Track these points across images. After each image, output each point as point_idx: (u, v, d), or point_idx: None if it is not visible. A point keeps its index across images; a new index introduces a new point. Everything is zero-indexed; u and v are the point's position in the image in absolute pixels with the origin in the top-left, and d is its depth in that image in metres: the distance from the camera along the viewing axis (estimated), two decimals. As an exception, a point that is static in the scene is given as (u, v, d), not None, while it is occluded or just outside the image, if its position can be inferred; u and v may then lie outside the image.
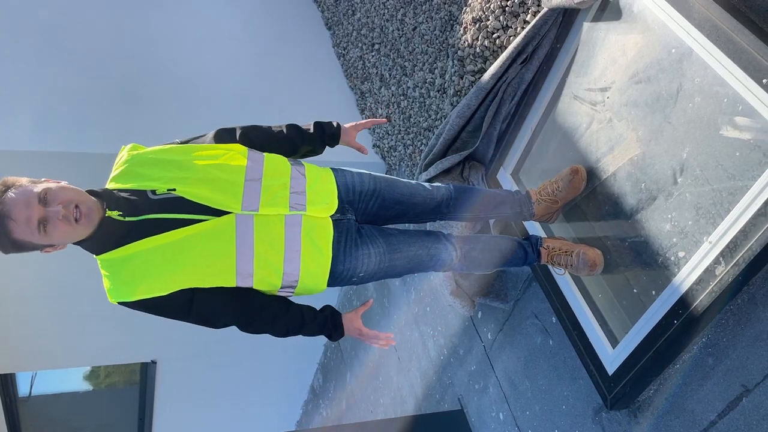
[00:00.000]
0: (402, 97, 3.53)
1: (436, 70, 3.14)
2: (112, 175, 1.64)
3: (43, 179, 1.51)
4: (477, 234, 2.34)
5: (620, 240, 1.99)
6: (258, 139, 1.77)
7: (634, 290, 1.92)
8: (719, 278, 1.58)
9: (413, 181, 2.03)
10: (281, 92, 4.07)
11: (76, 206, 1.47)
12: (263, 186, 1.65)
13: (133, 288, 1.57)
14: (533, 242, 2.18)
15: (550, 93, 2.32)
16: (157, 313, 1.64)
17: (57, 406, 5.85)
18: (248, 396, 5.51)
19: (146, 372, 5.22)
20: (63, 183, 1.53)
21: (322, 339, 5.28)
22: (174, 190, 1.58)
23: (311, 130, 1.85)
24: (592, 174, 2.10)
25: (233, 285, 1.63)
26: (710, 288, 1.60)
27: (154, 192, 1.58)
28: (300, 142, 1.84)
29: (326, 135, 1.87)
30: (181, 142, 1.72)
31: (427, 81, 3.23)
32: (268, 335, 1.77)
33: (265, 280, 1.67)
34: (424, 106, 3.27)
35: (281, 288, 1.72)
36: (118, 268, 1.57)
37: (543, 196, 2.16)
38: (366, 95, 4.07)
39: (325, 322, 1.79)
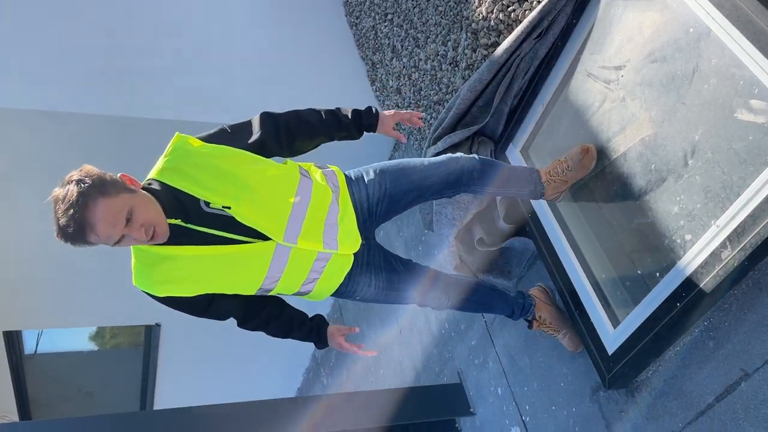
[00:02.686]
0: (413, 69, 3.49)
1: (449, 43, 3.10)
2: (160, 165, 1.65)
3: (119, 174, 1.54)
4: (472, 283, 2.22)
5: (627, 221, 1.98)
6: (298, 130, 1.80)
7: (639, 271, 1.92)
8: (725, 262, 1.57)
9: (426, 162, 1.94)
10: (291, 60, 4.03)
11: (153, 228, 1.52)
12: (306, 217, 1.72)
13: (164, 287, 1.69)
14: (526, 307, 2.23)
15: (563, 69, 2.28)
16: (173, 307, 1.76)
17: (62, 364, 5.96)
18: (250, 361, 5.58)
19: (150, 334, 5.30)
20: (136, 184, 1.58)
21: (325, 307, 5.31)
22: (229, 208, 1.62)
23: (349, 117, 1.87)
24: (602, 153, 2.08)
25: (251, 294, 1.80)
26: (715, 271, 1.59)
27: (207, 204, 1.62)
28: (338, 130, 1.88)
29: (364, 125, 1.90)
30: (231, 131, 1.73)
31: (440, 53, 3.19)
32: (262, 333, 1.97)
33: (279, 293, 1.85)
34: (436, 79, 3.24)
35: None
36: (153, 263, 1.65)
37: (553, 176, 2.13)
38: (377, 66, 4.02)
39: (311, 332, 1.98)
